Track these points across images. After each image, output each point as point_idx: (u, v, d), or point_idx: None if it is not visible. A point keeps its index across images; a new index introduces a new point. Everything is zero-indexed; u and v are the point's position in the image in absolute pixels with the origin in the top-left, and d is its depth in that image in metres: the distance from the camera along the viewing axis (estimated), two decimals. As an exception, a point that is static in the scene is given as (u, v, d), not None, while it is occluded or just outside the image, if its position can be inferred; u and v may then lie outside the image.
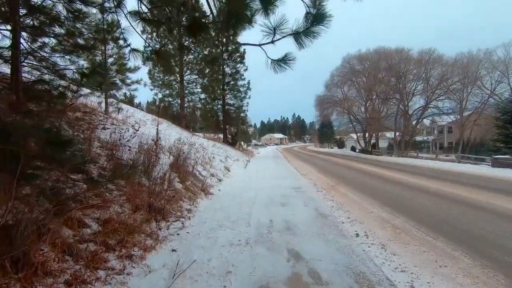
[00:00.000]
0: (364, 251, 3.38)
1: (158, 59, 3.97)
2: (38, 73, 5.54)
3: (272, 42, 2.53)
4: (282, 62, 2.61)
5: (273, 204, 5.94)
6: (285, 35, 2.50)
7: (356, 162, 19.56)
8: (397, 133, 35.11)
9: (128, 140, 5.71)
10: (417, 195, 6.98)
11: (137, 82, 10.04)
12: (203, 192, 6.86)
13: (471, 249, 3.54)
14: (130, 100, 12.04)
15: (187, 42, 13.30)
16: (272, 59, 2.63)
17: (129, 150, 5.60)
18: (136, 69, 9.61)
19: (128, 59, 9.82)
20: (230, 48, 26.89)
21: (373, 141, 40.24)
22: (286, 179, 9.93)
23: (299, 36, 2.50)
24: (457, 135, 36.47)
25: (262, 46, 2.58)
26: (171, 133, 12.83)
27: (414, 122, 32.88)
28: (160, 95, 22.48)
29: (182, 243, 3.58)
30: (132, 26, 3.77)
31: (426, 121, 42.32)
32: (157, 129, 7.41)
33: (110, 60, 9.49)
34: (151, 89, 22.14)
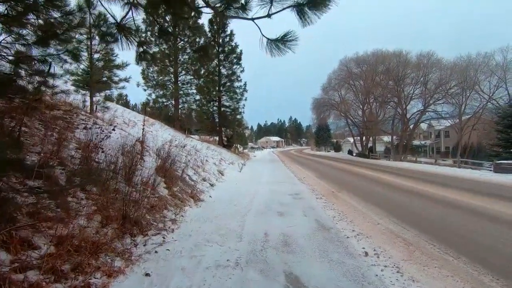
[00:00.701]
0: (377, 276, 2.82)
1: (119, 31, 3.38)
2: (11, 66, 4.97)
3: (269, 15, 1.98)
4: (281, 42, 2.05)
5: (269, 213, 5.37)
6: (285, 6, 1.94)
7: (354, 166, 19.07)
8: (394, 137, 34.81)
9: (101, 141, 5.09)
10: (424, 204, 6.45)
11: (126, 80, 9.43)
12: (192, 199, 6.26)
13: (503, 273, 3.00)
14: (118, 99, 11.41)
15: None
16: (268, 38, 2.07)
17: (102, 152, 4.97)
18: (124, 65, 9.01)
19: (117, 55, 9.28)
20: (226, 49, 26.46)
21: (370, 145, 39.90)
22: (283, 184, 9.36)
23: (302, 8, 1.93)
24: (454, 140, 36.25)
25: (255, 20, 2.03)
26: (162, 135, 12.22)
27: (411, 126, 32.59)
28: (154, 96, 21.85)
29: (159, 264, 2.99)
30: (103, 5, 3.20)
31: (423, 125, 42.16)
32: (143, 129, 6.81)
33: (97, 56, 8.89)
34: (145, 90, 21.46)
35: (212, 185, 8.39)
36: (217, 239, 3.84)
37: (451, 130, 37.53)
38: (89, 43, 8.68)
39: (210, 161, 12.02)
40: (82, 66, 8.76)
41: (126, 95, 65.87)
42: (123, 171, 5.06)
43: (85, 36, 8.63)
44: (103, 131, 5.89)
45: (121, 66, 9.01)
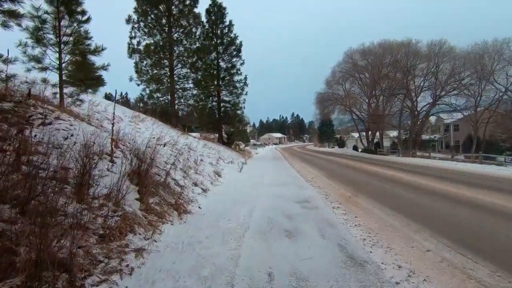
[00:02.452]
0: None
1: None
2: None
3: None
4: None
5: (274, 233, 4.00)
6: None
7: (364, 163, 17.65)
8: (402, 132, 33.19)
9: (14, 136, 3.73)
10: (474, 215, 5.05)
11: (103, 68, 8.02)
12: (176, 212, 4.91)
13: None
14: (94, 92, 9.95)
15: None
16: None
17: (15, 155, 3.57)
18: (99, 49, 7.62)
19: (91, 38, 7.90)
20: (225, 40, 25.00)
21: (375, 140, 38.38)
22: (289, 188, 7.99)
23: None
24: (464, 134, 34.60)
25: None
26: (152, 132, 10.88)
27: (421, 120, 30.98)
28: (148, 91, 20.49)
29: None
30: None
31: (432, 119, 40.51)
32: (112, 123, 5.43)
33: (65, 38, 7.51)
34: (138, 84, 20.11)
35: (205, 190, 7.04)
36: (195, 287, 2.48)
37: (461, 124, 35.86)
38: (56, 23, 7.33)
39: (205, 161, 10.67)
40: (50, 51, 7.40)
41: (127, 93, 64.46)
42: (74, 180, 3.72)
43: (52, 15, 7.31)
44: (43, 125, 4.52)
45: (96, 51, 7.62)
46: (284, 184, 8.72)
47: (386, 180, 9.50)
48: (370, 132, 38.08)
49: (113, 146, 5.23)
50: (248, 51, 26.55)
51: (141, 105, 21.63)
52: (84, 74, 7.88)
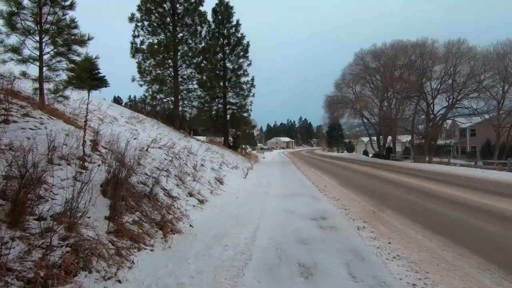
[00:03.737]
0: None
1: None
2: None
3: None
4: None
5: (285, 269, 2.93)
6: None
7: (378, 169, 16.39)
8: (415, 136, 31.59)
9: None
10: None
11: (90, 60, 7.12)
12: (161, 231, 3.90)
13: None
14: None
15: None
16: None
17: None
18: (86, 39, 6.73)
19: (75, 27, 7.02)
20: (232, 40, 24.18)
21: (387, 144, 36.82)
22: (300, 199, 6.90)
23: None
24: (481, 139, 32.79)
25: None
26: (149, 134, 9.94)
27: (436, 124, 29.38)
28: (151, 92, 19.72)
29: None
30: None
31: (447, 123, 38.71)
32: (85, 121, 4.46)
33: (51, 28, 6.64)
34: (141, 85, 19.34)
35: (201, 201, 6.01)
36: None
37: (478, 128, 34.06)
38: (37, 10, 6.48)
39: (207, 166, 9.66)
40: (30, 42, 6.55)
41: (135, 96, 64.41)
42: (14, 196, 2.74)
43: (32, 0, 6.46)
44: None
45: (82, 41, 6.72)
46: (294, 194, 7.62)
47: (411, 190, 8.30)
48: (381, 137, 36.57)
49: (85, 148, 4.26)
50: (256, 55, 25.81)
51: (148, 108, 20.79)
52: (69, 68, 6.99)
